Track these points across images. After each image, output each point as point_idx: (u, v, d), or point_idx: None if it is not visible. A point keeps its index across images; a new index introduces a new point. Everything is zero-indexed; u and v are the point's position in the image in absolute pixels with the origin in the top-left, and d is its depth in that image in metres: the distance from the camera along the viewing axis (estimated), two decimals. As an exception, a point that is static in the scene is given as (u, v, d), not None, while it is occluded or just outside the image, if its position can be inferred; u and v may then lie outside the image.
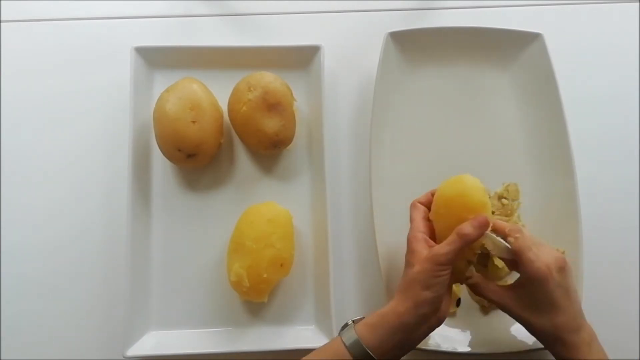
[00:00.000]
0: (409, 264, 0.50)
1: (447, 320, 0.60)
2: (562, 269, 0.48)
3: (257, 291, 0.58)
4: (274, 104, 0.60)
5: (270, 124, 0.60)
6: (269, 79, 0.61)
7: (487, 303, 0.61)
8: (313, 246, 0.63)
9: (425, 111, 0.67)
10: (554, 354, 0.49)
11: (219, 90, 0.64)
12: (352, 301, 0.63)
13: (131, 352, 0.57)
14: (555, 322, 0.48)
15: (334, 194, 0.64)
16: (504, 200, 0.63)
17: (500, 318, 0.61)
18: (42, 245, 0.63)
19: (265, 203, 0.61)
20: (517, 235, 0.49)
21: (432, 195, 0.54)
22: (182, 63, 0.66)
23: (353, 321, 0.50)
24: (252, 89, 0.60)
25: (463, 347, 0.58)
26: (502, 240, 0.50)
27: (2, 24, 0.70)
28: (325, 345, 0.50)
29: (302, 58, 0.66)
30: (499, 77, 0.67)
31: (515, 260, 0.49)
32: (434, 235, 0.52)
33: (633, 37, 0.71)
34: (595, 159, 0.66)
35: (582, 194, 0.60)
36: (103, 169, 0.65)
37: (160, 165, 0.65)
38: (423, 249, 0.49)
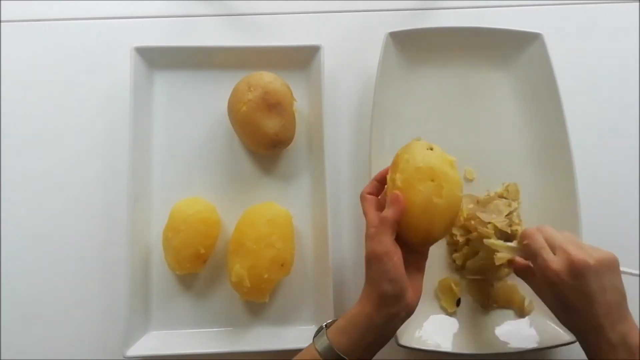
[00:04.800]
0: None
1: (447, 320, 0.61)
2: (578, 274, 0.45)
3: (258, 291, 0.58)
4: (274, 104, 0.60)
5: (270, 124, 0.60)
6: (268, 79, 0.61)
7: (487, 303, 0.61)
8: (313, 246, 0.63)
9: (425, 111, 0.66)
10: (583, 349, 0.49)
11: (219, 90, 0.64)
12: (352, 301, 0.62)
13: (131, 352, 0.57)
14: (572, 321, 0.48)
15: (334, 194, 0.64)
16: (504, 200, 0.63)
17: (500, 318, 0.61)
18: (42, 244, 0.63)
19: (265, 203, 0.61)
20: (525, 242, 0.49)
21: (378, 181, 0.53)
22: (182, 63, 0.66)
23: (326, 325, 0.50)
24: (252, 89, 0.60)
25: (463, 347, 0.58)
26: (504, 243, 0.52)
27: (2, 24, 0.70)
28: (301, 352, 0.50)
29: (302, 58, 0.66)
30: (499, 77, 0.67)
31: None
32: None
33: (633, 37, 0.71)
34: (595, 158, 0.66)
35: (582, 194, 0.60)
36: (103, 168, 0.65)
37: (160, 165, 0.65)
38: None
